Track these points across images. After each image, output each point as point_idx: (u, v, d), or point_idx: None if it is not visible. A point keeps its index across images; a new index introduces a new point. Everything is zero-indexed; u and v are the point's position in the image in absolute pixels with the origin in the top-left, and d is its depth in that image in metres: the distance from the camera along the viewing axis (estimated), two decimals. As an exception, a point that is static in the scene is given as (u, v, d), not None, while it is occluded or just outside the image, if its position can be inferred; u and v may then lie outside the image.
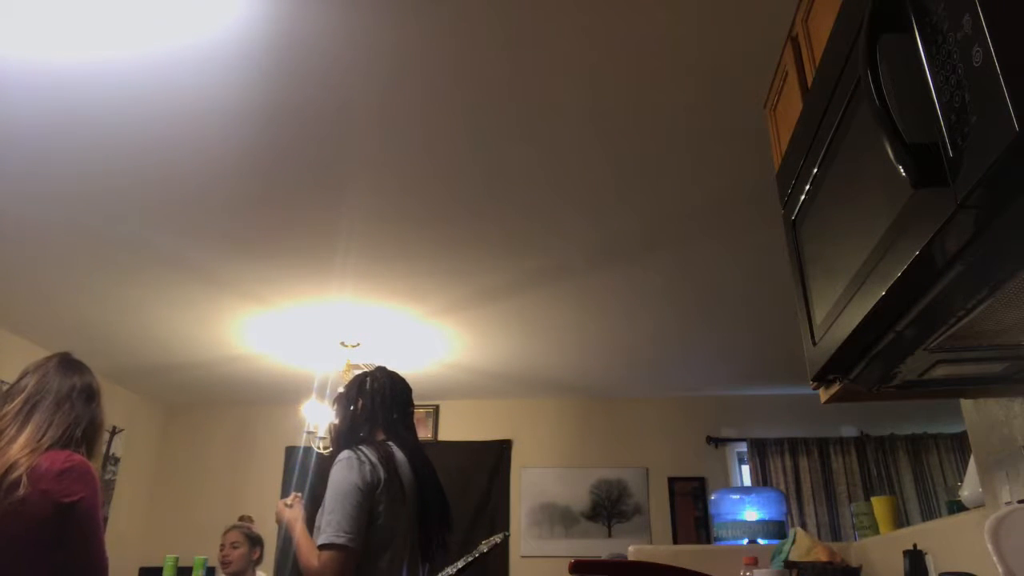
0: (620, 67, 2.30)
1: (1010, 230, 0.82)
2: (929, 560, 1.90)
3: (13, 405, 1.96)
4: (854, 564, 2.40)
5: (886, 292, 1.00)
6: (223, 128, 2.58)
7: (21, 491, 1.79)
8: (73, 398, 2.02)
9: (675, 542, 5.24)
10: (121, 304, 4.06)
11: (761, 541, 3.21)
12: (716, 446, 5.58)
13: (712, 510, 3.97)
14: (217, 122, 2.54)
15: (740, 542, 3.33)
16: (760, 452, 5.48)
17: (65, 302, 4.03)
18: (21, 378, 2.05)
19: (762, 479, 5.40)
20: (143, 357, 4.89)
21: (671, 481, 5.49)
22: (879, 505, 2.53)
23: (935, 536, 1.97)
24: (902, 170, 0.85)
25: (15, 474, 1.81)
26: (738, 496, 3.77)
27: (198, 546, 4.87)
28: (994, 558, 1.28)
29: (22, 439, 1.88)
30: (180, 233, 3.30)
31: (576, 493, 5.50)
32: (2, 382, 4.28)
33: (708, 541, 5.05)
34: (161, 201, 3.03)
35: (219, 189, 2.95)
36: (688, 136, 2.65)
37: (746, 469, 5.57)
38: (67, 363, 2.10)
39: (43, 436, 1.91)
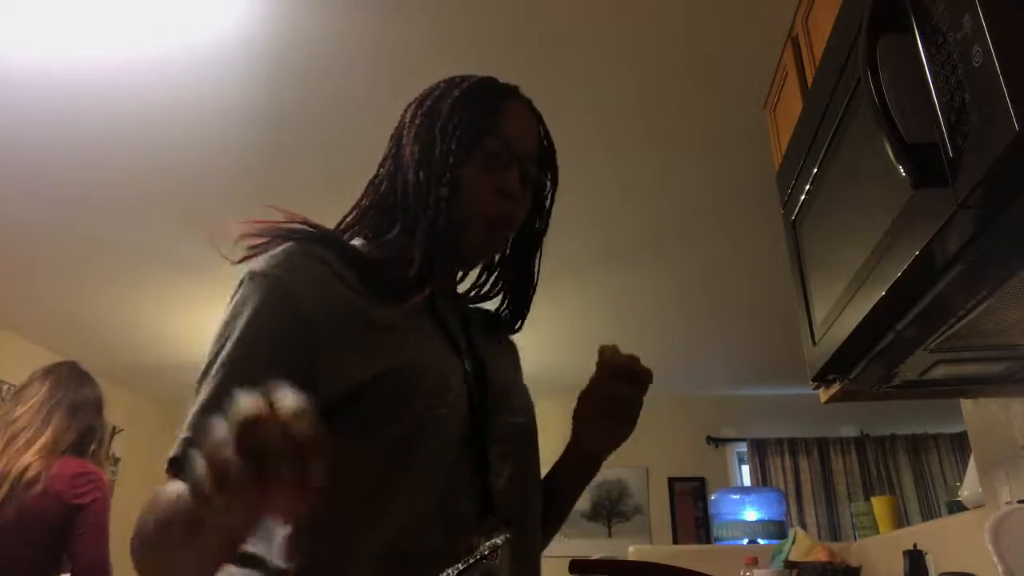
0: (621, 68, 2.30)
1: (1010, 230, 0.82)
2: (929, 560, 1.90)
3: (28, 408, 1.97)
4: (854, 564, 2.40)
5: (886, 292, 1.00)
6: (223, 128, 2.58)
7: (40, 486, 1.82)
8: (87, 408, 2.04)
9: (675, 542, 5.24)
10: (121, 304, 4.05)
11: (761, 541, 3.21)
12: (716, 446, 5.58)
13: (712, 510, 3.96)
14: (217, 121, 2.54)
15: (740, 542, 3.33)
16: (760, 452, 5.48)
17: (65, 302, 4.03)
18: (31, 384, 2.05)
19: (762, 479, 5.40)
20: (143, 357, 4.88)
21: (671, 481, 5.48)
22: (879, 505, 2.53)
23: (935, 536, 1.97)
24: (902, 170, 0.85)
25: (31, 474, 1.84)
26: (738, 496, 3.76)
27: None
28: (994, 558, 1.28)
29: (39, 443, 1.89)
30: (179, 233, 3.30)
31: (576, 493, 5.50)
32: (2, 382, 4.28)
33: (708, 541, 5.05)
34: (161, 201, 3.03)
35: (219, 189, 2.95)
36: (687, 136, 2.64)
37: (746, 469, 5.57)
38: (79, 373, 2.12)
39: (59, 441, 1.93)
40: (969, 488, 1.85)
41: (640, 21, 2.12)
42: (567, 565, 1.11)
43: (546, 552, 0.91)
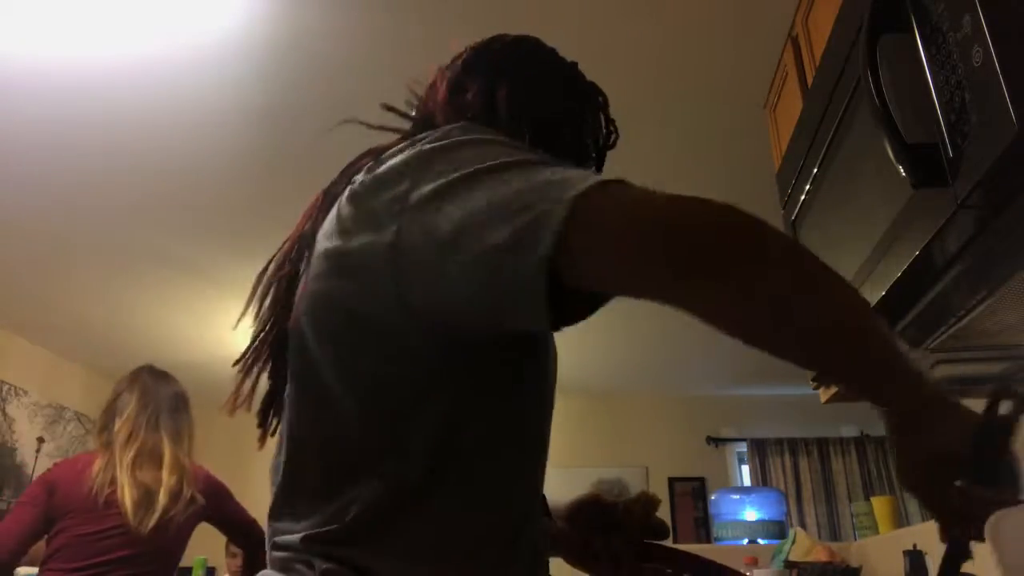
0: (620, 68, 2.30)
1: (1010, 230, 0.82)
2: (929, 560, 1.90)
3: (126, 419, 1.94)
4: (854, 564, 2.40)
5: (886, 292, 1.00)
6: (222, 128, 2.57)
7: (189, 502, 1.90)
8: (180, 407, 2.04)
9: (675, 542, 5.23)
10: (121, 304, 4.05)
11: (761, 541, 3.21)
12: (716, 446, 5.58)
13: (712, 510, 3.96)
14: (216, 122, 2.54)
15: (740, 542, 3.32)
16: (760, 452, 5.48)
17: (65, 302, 4.02)
18: (119, 395, 2.02)
19: (762, 479, 5.39)
20: (143, 357, 4.87)
21: (671, 481, 5.48)
22: (879, 505, 2.53)
23: (935, 536, 1.96)
24: (902, 170, 0.85)
25: (179, 490, 1.87)
26: (738, 496, 3.76)
27: (198, 546, 4.85)
28: (994, 558, 1.27)
29: (168, 457, 1.90)
30: (179, 234, 3.30)
31: (576, 493, 5.48)
32: (2, 382, 4.28)
33: (708, 541, 5.05)
34: (160, 202, 3.03)
35: (218, 189, 2.95)
36: (688, 136, 2.64)
37: (746, 469, 5.57)
38: (158, 373, 2.11)
39: (183, 445, 1.95)
40: (969, 488, 1.85)
41: (640, 22, 2.12)
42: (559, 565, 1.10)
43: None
